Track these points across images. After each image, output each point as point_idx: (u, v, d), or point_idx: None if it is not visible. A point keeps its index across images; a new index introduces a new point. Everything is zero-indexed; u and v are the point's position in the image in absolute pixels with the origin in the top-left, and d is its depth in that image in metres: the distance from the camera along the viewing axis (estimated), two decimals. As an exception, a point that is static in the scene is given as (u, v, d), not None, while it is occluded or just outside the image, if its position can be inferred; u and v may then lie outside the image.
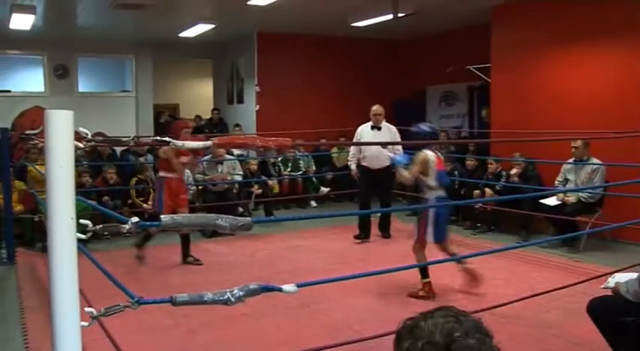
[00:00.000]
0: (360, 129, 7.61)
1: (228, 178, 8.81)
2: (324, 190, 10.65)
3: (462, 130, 10.85)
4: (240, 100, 12.10)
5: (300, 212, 10.07)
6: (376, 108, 7.49)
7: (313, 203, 10.64)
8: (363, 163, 7.60)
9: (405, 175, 5.15)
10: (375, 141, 7.20)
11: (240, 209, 9.06)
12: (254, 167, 9.57)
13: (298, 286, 2.53)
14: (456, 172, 8.91)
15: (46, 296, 2.01)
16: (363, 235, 7.71)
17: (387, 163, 7.20)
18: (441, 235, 5.17)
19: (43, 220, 6.18)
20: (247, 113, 11.74)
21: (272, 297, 2.99)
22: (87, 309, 2.01)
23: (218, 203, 8.22)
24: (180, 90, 15.38)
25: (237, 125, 11.46)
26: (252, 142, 3.01)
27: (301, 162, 10.67)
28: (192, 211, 8.00)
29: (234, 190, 9.01)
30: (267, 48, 11.42)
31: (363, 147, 7.65)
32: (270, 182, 9.84)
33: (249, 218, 2.49)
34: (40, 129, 2.87)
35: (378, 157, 7.37)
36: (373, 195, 7.72)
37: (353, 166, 7.73)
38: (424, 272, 5.23)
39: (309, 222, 8.68)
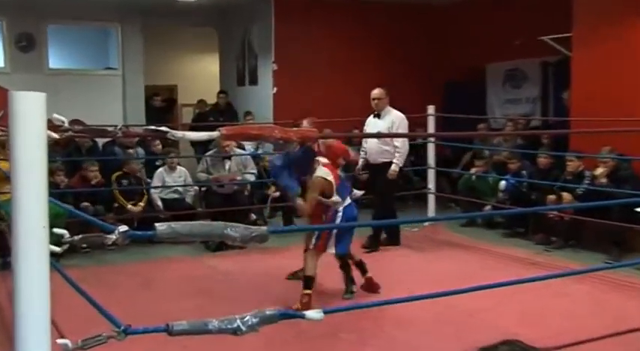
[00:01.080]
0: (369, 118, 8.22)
1: (239, 177, 8.84)
2: (358, 193, 10.58)
3: (532, 119, 10.79)
4: (254, 81, 12.18)
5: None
6: (375, 92, 8.00)
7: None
8: (368, 159, 8.20)
9: (303, 206, 5.76)
10: (375, 132, 7.75)
11: (253, 216, 9.09)
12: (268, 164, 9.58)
13: (325, 312, 2.54)
14: (524, 172, 8.91)
15: (7, 329, 2.00)
16: (375, 244, 8.01)
17: (389, 159, 7.89)
18: (345, 247, 5.96)
19: (4, 229, 6.23)
20: (262, 97, 11.83)
21: (293, 324, 3.00)
22: (60, 341, 2.00)
23: (226, 208, 8.24)
24: (178, 68, 15.51)
25: (248, 113, 11.53)
26: (269, 133, 3.07)
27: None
28: (192, 217, 8.11)
29: (246, 193, 9.06)
30: (287, 15, 11.48)
31: (363, 140, 8.37)
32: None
33: (264, 227, 2.55)
34: (1, 114, 2.86)
35: (377, 151, 7.98)
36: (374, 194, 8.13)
37: (360, 162, 8.35)
38: (308, 283, 5.77)
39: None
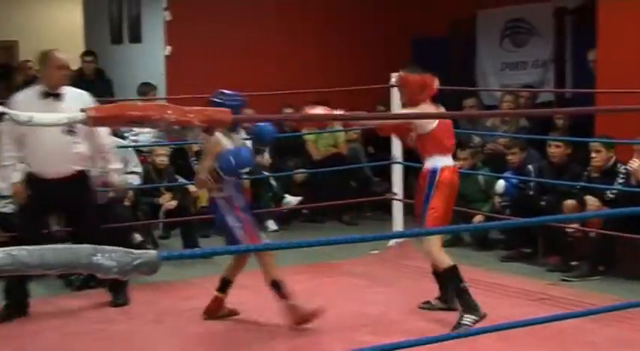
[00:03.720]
0: None
1: (115, 180, 8.74)
2: (292, 200, 10.74)
3: (541, 91, 11.01)
4: (136, 38, 12.22)
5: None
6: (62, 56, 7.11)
7: (272, 224, 10.82)
8: (29, 170, 7.08)
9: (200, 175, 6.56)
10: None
11: (138, 236, 9.12)
12: (162, 161, 9.60)
13: None
14: (530, 167, 9.04)
15: None
16: None
17: (78, 167, 7.00)
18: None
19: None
20: (148, 61, 11.90)
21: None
22: None
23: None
24: (20, 16, 15.41)
25: (147, 85, 11.34)
26: (159, 115, 3.08)
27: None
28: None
29: (127, 203, 9.00)
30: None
31: (23, 134, 6.90)
32: (192, 188, 9.85)
33: (153, 252, 2.59)
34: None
35: (58, 154, 6.94)
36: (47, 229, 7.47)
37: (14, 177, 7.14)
38: (224, 285, 6.75)
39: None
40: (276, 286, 6.48)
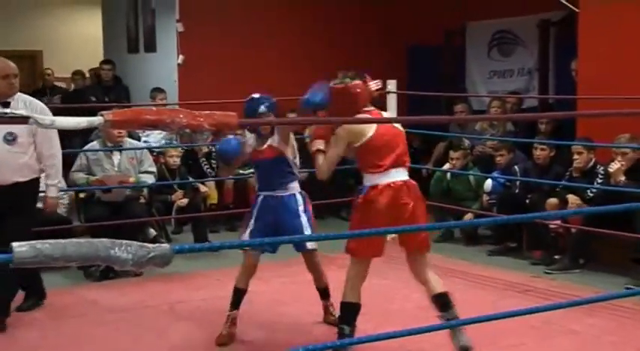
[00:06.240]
0: None
1: (132, 179, 8.72)
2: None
3: (526, 97, 10.99)
4: (151, 47, 12.17)
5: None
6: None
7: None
8: None
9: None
10: None
11: (152, 231, 9.08)
12: (175, 161, 9.56)
13: None
14: (516, 168, 9.03)
15: None
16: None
17: (23, 177, 6.51)
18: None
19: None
20: (162, 69, 11.84)
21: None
22: None
23: (113, 221, 8.22)
24: (44, 27, 15.36)
25: (158, 90, 11.38)
26: (172, 119, 3.10)
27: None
28: (67, 234, 7.95)
29: (142, 200, 9.02)
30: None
31: None
32: (202, 187, 9.87)
33: (166, 245, 2.59)
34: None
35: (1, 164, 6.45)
36: None
37: None
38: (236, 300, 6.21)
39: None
40: (325, 292, 6.49)
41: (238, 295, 6.17)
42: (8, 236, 5.36)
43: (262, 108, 6.20)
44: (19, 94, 6.41)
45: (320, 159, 5.64)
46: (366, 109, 5.49)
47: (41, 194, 6.90)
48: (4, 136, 6.22)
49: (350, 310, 5.48)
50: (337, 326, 5.58)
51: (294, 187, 6.31)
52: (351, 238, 5.46)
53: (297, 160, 6.42)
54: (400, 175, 5.44)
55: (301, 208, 6.25)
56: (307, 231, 6.17)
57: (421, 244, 5.60)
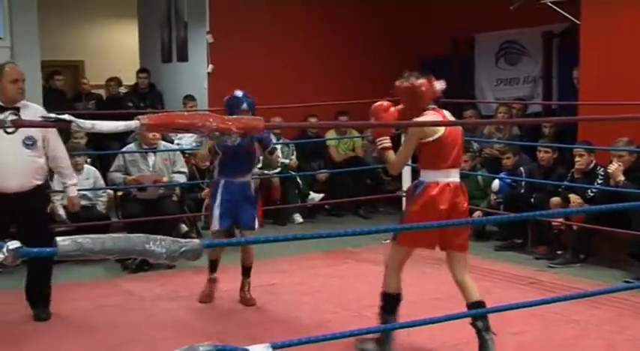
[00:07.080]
0: None
1: (165, 178, 8.83)
2: (316, 196, 10.92)
3: (531, 103, 10.94)
4: (183, 57, 12.21)
5: (279, 231, 10.19)
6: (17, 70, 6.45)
7: (298, 217, 10.90)
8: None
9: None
10: None
11: (184, 227, 9.20)
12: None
13: (274, 347, 2.66)
14: (521, 169, 9.07)
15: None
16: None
17: (37, 181, 6.35)
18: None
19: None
20: (193, 77, 11.87)
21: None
22: None
23: (148, 218, 8.34)
24: (86, 39, 15.31)
25: (190, 97, 11.41)
26: (202, 123, 3.10)
27: (279, 153, 10.78)
28: (105, 229, 8.15)
29: (174, 198, 9.08)
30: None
31: None
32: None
33: (197, 240, 2.60)
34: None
35: (18, 168, 6.21)
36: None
37: None
38: (213, 265, 6.93)
39: (292, 246, 8.59)
40: (248, 270, 6.89)
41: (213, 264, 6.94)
42: (37, 235, 5.85)
43: (245, 105, 6.48)
44: (24, 101, 6.27)
45: (390, 156, 5.41)
46: (430, 107, 5.35)
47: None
48: (24, 141, 6.06)
49: (393, 301, 5.42)
50: (380, 317, 5.42)
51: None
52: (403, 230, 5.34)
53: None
54: (456, 175, 5.36)
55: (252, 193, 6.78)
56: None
57: (463, 243, 5.46)
